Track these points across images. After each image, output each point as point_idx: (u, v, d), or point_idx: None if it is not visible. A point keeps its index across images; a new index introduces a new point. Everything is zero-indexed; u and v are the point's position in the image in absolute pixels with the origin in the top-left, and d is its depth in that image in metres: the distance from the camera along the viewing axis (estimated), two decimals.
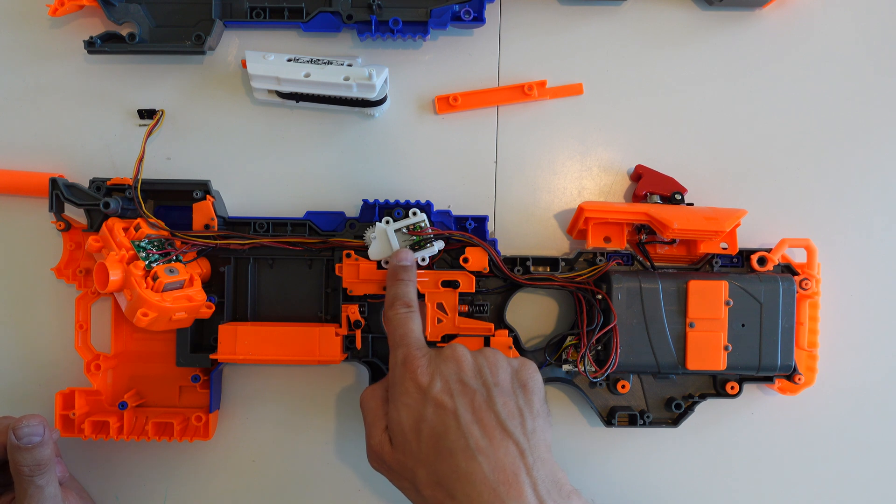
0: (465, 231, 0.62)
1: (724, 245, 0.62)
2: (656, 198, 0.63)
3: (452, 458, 0.47)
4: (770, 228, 0.65)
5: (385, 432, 0.52)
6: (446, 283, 0.61)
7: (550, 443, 0.51)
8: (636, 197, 0.64)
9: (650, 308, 0.59)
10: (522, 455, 0.48)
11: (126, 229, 0.59)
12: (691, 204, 0.64)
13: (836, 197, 0.66)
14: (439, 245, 0.60)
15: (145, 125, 0.65)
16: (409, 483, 0.50)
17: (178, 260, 0.59)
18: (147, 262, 0.57)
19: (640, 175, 0.64)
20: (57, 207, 0.62)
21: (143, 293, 0.54)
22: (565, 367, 0.62)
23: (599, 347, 0.61)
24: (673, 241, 0.63)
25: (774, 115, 0.66)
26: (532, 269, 0.62)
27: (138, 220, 0.59)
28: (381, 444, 0.52)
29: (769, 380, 0.62)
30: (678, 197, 0.63)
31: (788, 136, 0.66)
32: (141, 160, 0.62)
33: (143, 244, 0.58)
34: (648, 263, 0.62)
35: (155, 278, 0.56)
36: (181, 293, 0.57)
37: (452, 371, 0.51)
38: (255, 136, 0.66)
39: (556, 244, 0.66)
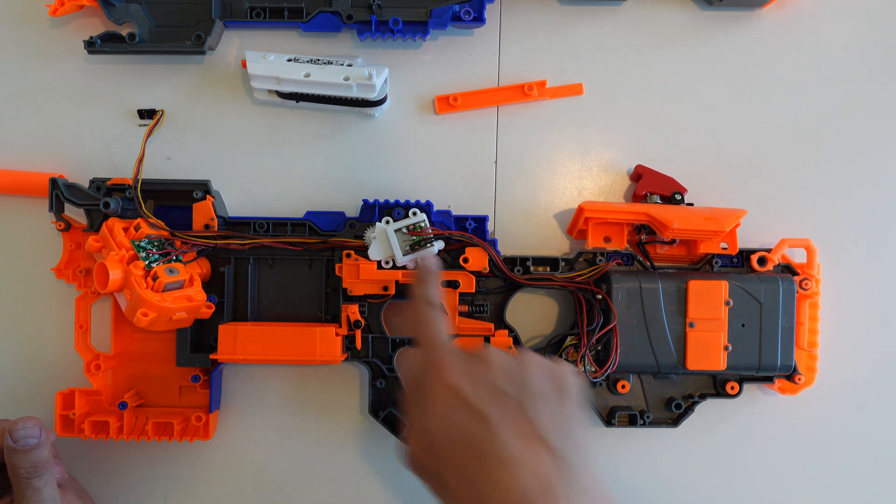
0: (465, 231, 0.62)
1: (724, 245, 0.62)
2: (656, 198, 0.63)
3: (485, 467, 0.44)
4: (770, 228, 0.65)
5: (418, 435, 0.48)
6: (446, 283, 0.61)
7: (588, 450, 0.47)
8: (636, 197, 0.64)
9: (650, 308, 0.59)
10: (558, 465, 0.44)
11: (126, 229, 0.59)
12: (691, 204, 0.64)
13: (837, 197, 0.66)
14: (439, 245, 0.60)
15: (145, 125, 0.65)
16: (442, 489, 0.47)
17: (178, 260, 0.59)
18: (147, 263, 0.57)
19: (640, 175, 0.64)
20: (57, 207, 0.62)
21: (143, 293, 0.54)
22: None
23: (599, 347, 0.61)
24: (673, 241, 0.63)
25: (774, 114, 0.66)
26: (532, 269, 0.62)
27: (138, 220, 0.59)
28: (413, 447, 0.48)
29: (769, 380, 0.62)
30: (678, 197, 0.63)
31: (788, 136, 0.66)
32: (141, 160, 0.62)
33: (143, 244, 0.58)
34: (648, 263, 0.62)
35: (155, 278, 0.56)
36: (181, 293, 0.57)
37: (484, 374, 0.47)
38: (255, 136, 0.66)
39: (556, 244, 0.66)
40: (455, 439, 0.46)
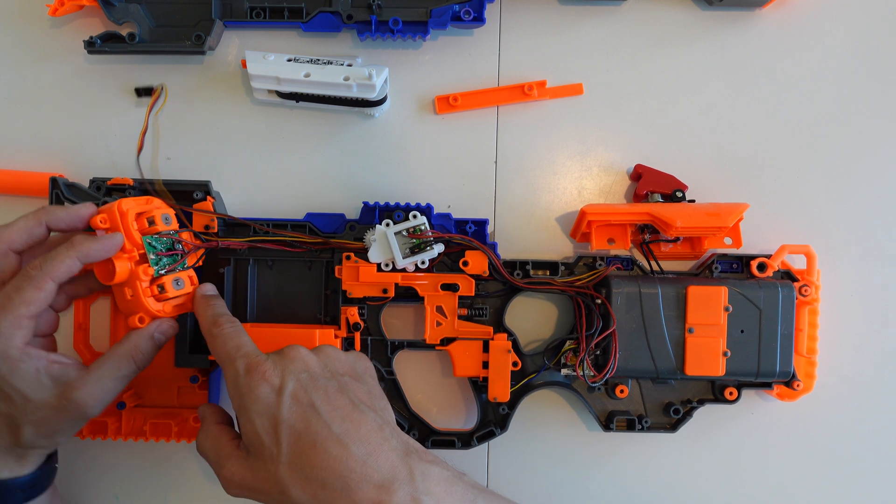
0: (465, 234, 0.62)
1: (728, 240, 0.62)
2: (657, 196, 0.63)
3: (319, 448, 0.47)
4: (770, 234, 0.64)
5: (234, 454, 0.50)
6: (446, 287, 0.61)
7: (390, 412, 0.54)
8: (637, 196, 0.64)
9: (649, 313, 0.59)
10: (381, 427, 0.49)
11: (138, 217, 0.55)
12: (692, 201, 0.64)
13: (837, 202, 0.65)
14: (439, 248, 0.60)
15: (145, 104, 0.65)
16: (276, 491, 0.48)
17: (185, 257, 0.57)
18: (156, 270, 0.54)
19: (639, 174, 0.64)
20: None
21: (144, 301, 0.53)
22: (564, 371, 0.62)
23: (598, 352, 0.61)
24: (677, 239, 0.63)
25: (774, 115, 0.66)
26: (532, 272, 0.62)
27: (152, 212, 0.55)
28: (234, 466, 0.49)
29: (768, 386, 0.62)
30: (679, 195, 0.63)
31: (788, 137, 0.66)
32: (144, 133, 0.62)
33: (152, 240, 0.56)
34: (651, 265, 0.62)
35: (161, 289, 0.55)
36: (181, 302, 0.56)
37: (301, 368, 0.50)
38: (255, 136, 0.66)
39: (556, 245, 0.66)
40: (283, 433, 0.48)
